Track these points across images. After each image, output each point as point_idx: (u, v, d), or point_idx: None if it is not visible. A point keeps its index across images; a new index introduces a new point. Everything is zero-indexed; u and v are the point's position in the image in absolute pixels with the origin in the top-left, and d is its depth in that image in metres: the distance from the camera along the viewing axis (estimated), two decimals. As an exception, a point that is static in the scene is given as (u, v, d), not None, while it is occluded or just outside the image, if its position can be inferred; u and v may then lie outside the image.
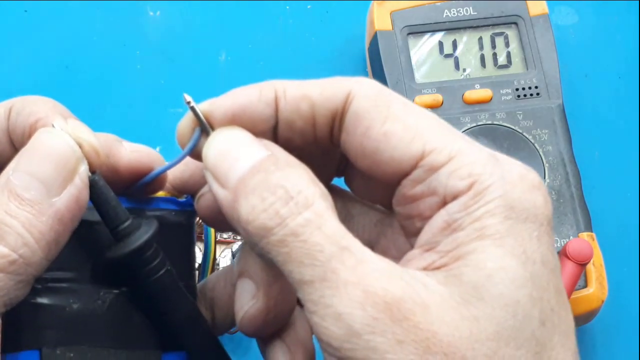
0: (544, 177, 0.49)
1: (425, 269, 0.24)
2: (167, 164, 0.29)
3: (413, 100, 0.51)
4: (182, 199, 0.30)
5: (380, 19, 0.53)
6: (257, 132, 0.27)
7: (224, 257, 0.50)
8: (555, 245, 0.47)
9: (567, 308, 0.25)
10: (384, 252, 0.25)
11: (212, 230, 0.47)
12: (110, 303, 0.27)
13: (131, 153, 0.29)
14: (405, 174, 0.25)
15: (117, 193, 0.27)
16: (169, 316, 0.28)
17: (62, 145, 0.25)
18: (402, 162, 0.25)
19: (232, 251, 0.49)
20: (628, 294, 0.51)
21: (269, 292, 0.28)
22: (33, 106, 0.27)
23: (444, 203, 0.25)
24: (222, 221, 0.26)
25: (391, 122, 0.25)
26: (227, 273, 0.31)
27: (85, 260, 0.27)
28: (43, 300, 0.26)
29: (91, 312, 0.27)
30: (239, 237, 0.51)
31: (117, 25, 0.60)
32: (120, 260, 0.27)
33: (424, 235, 0.25)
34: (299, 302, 0.28)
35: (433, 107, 0.51)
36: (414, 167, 0.25)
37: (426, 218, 0.25)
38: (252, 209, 0.24)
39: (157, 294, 0.28)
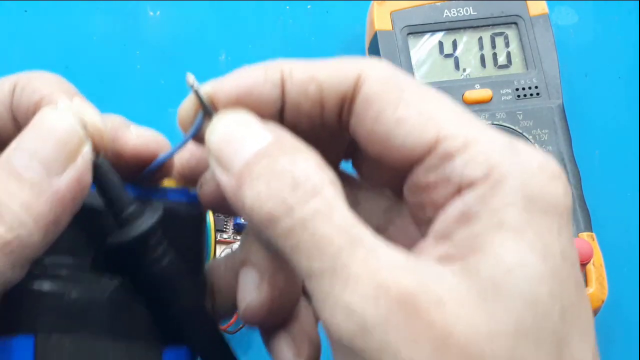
0: (544, 177, 0.49)
1: (439, 259, 0.23)
2: (170, 149, 0.28)
3: (413, 100, 0.51)
4: (193, 191, 0.29)
5: (380, 19, 0.53)
6: (263, 115, 0.26)
7: (224, 257, 0.50)
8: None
9: (586, 302, 0.24)
10: (393, 241, 0.24)
11: (212, 231, 0.47)
12: (111, 293, 0.26)
13: (137, 138, 0.28)
14: (418, 161, 0.24)
15: (124, 180, 0.27)
16: (171, 307, 0.27)
17: (65, 125, 0.25)
18: (415, 149, 0.24)
19: (232, 251, 0.49)
20: (628, 294, 0.51)
21: (274, 282, 0.27)
22: (38, 82, 0.26)
23: (459, 191, 0.23)
24: (226, 207, 0.25)
25: (404, 107, 0.24)
26: (228, 259, 0.30)
27: (88, 247, 0.26)
28: (41, 286, 0.26)
29: (90, 301, 0.26)
30: (239, 237, 0.51)
31: (117, 25, 0.60)
32: (122, 246, 0.26)
33: (438, 225, 0.24)
34: (304, 292, 0.27)
35: (433, 107, 0.51)
36: (428, 154, 0.24)
37: (439, 206, 0.24)
38: (258, 195, 0.23)
39: (160, 283, 0.27)
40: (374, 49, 0.53)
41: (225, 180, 0.24)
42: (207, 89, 0.26)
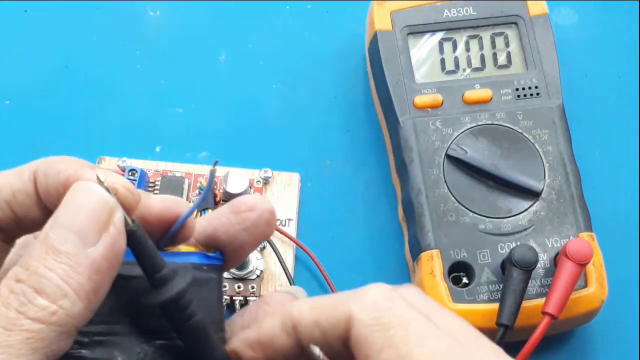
0: (544, 177, 0.49)
1: None
2: (191, 206, 0.29)
3: (413, 100, 0.51)
4: (211, 253, 0.30)
5: (380, 19, 0.53)
6: (289, 354, 0.28)
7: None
8: (556, 245, 0.47)
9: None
10: None
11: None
12: (152, 357, 0.28)
13: (161, 202, 0.29)
14: None
15: None
16: (207, 358, 0.29)
17: (95, 197, 0.26)
18: None
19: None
20: (628, 294, 0.51)
21: None
22: (59, 165, 0.27)
23: None
24: None
25: (387, 351, 0.26)
26: (241, 316, 0.31)
27: (126, 313, 0.28)
28: (88, 353, 0.26)
29: None
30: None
31: (117, 25, 0.60)
32: (161, 305, 0.27)
33: None
34: None
35: (433, 107, 0.51)
36: None
37: None
38: None
39: (195, 337, 0.28)
40: (373, 49, 0.53)
41: None
42: (236, 344, 0.29)
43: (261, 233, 0.30)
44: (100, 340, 0.27)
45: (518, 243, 0.47)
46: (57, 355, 0.25)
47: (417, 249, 0.48)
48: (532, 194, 0.48)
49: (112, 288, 0.26)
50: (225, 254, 0.30)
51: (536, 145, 0.50)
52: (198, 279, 0.29)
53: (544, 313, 0.44)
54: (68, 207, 0.26)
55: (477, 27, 0.53)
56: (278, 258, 0.51)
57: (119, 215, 0.26)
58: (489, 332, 0.46)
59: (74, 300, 0.24)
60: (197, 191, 0.52)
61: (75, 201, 0.26)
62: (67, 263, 0.25)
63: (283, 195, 0.53)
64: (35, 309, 0.24)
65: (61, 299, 0.24)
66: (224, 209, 0.30)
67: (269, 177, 0.53)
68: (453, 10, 0.53)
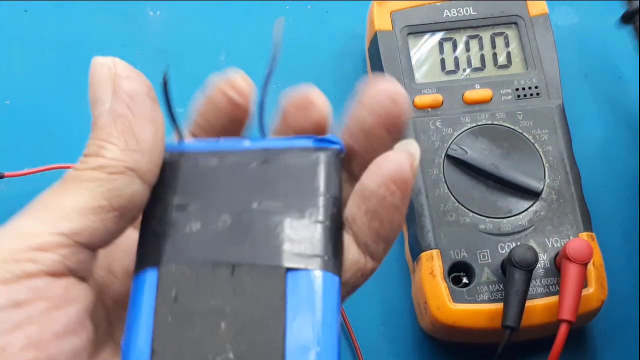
0: (544, 177, 0.49)
1: None
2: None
3: (413, 101, 0.51)
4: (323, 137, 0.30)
5: (380, 19, 0.53)
6: None
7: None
8: (556, 245, 0.47)
9: None
10: None
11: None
12: (232, 219, 0.28)
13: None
14: None
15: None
16: None
17: (100, 60, 0.31)
18: None
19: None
20: (628, 294, 0.51)
21: None
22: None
23: None
24: None
25: None
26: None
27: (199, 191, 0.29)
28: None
29: (213, 231, 0.28)
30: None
31: (117, 25, 0.60)
32: None
33: None
34: None
35: (433, 107, 0.51)
36: None
37: None
38: None
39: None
40: (373, 49, 0.53)
41: None
42: None
43: (384, 107, 0.30)
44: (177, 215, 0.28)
45: (518, 243, 0.47)
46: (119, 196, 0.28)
47: (417, 249, 0.48)
48: (532, 194, 0.48)
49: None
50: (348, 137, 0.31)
51: (536, 145, 0.50)
52: (300, 166, 0.30)
53: (561, 320, 0.43)
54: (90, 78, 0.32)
55: (477, 27, 0.54)
56: (278, 258, 0.51)
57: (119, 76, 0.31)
58: (490, 333, 0.46)
59: (110, 147, 0.29)
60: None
61: (90, 72, 0.33)
62: (97, 124, 0.30)
63: (283, 195, 0.53)
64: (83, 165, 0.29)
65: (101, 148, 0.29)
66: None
67: (269, 177, 0.53)
68: (453, 10, 0.53)
